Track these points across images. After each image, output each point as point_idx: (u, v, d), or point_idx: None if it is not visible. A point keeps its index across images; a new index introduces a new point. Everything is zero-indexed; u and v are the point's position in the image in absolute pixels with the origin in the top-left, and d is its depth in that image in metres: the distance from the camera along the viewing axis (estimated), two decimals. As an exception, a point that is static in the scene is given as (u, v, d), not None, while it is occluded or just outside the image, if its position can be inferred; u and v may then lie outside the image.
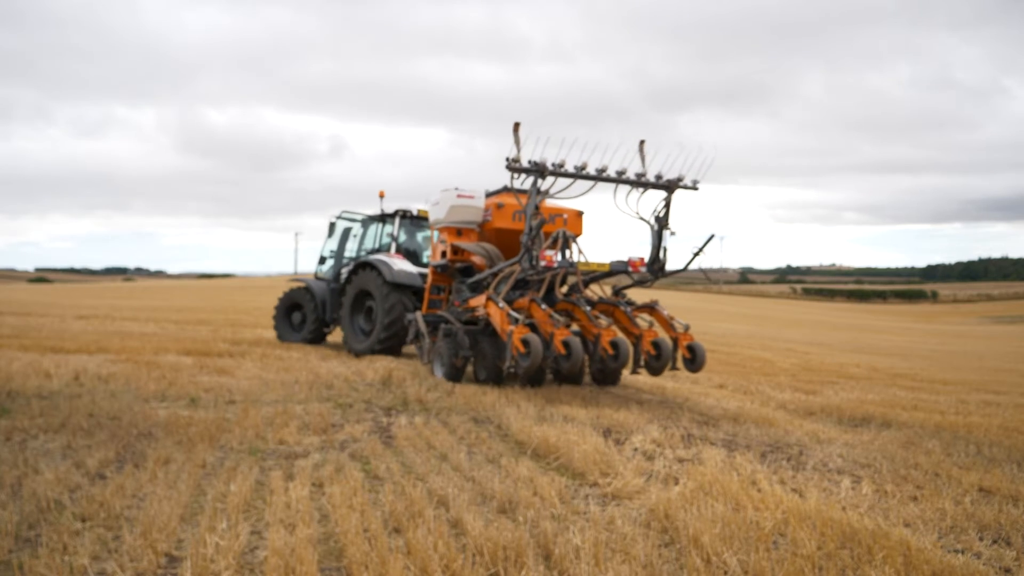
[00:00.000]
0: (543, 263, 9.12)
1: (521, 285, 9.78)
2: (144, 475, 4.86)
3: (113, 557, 3.56)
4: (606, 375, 10.22)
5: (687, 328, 9.59)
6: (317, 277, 15.59)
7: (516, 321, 8.77)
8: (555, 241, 9.50)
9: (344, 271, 14.57)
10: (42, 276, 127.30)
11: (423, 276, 12.48)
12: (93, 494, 4.39)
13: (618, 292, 10.44)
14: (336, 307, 14.52)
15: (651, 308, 9.88)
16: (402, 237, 14.19)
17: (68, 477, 4.73)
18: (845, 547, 3.93)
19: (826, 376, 13.53)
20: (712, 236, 9.88)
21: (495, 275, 9.75)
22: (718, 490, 4.87)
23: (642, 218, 9.89)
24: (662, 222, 9.86)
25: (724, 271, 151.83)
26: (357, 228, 15.11)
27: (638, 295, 11.27)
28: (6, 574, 3.35)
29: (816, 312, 62.97)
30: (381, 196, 14.43)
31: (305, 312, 15.15)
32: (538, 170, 8.91)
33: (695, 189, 9.77)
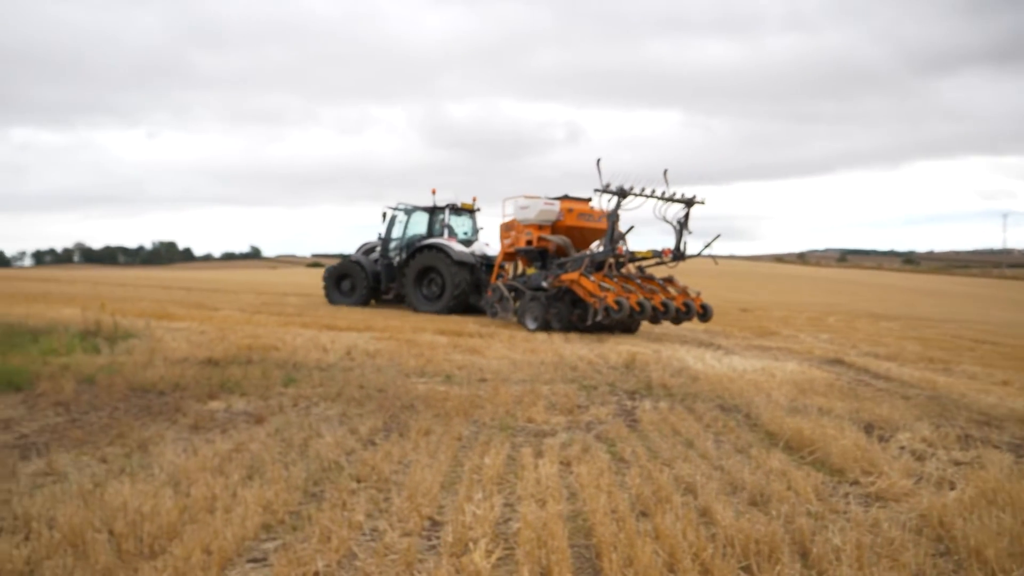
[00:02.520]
0: (616, 251, 14.00)
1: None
2: (408, 444, 5.25)
3: (384, 517, 3.88)
4: (632, 326, 14.53)
5: (699, 293, 13.98)
6: (365, 254, 19.71)
7: (606, 290, 13.02)
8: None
9: (398, 250, 18.75)
10: (317, 261, 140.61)
11: (473, 255, 17.36)
12: (366, 458, 4.82)
13: (642, 270, 14.60)
14: (392, 278, 18.78)
15: (671, 281, 14.32)
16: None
17: (344, 441, 5.23)
18: None
19: None
20: (719, 235, 14.72)
21: (582, 259, 14.05)
22: (1004, 499, 4.33)
23: (667, 221, 14.16)
24: (683, 224, 14.04)
25: (1009, 253, 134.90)
26: (402, 216, 19.07)
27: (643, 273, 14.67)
28: (297, 523, 3.77)
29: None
30: (433, 192, 18.67)
31: (355, 281, 19.22)
32: (621, 192, 13.48)
33: (703, 203, 14.08)
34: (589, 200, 15.53)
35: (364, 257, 19.51)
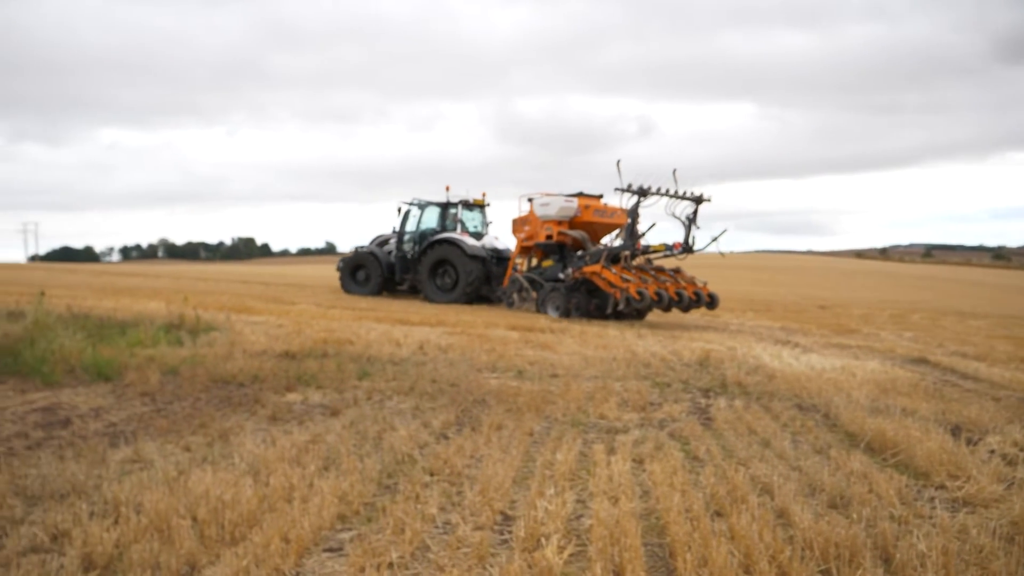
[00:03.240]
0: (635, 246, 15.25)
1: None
2: (480, 438, 5.28)
3: (456, 510, 3.91)
4: (642, 312, 15.55)
5: (705, 283, 15.38)
6: (379, 246, 20.56)
7: (627, 281, 14.26)
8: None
9: (412, 243, 19.47)
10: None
11: (484, 248, 18.34)
12: (438, 452, 4.86)
13: (650, 262, 15.91)
14: (406, 270, 19.58)
15: (679, 271, 15.62)
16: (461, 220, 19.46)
17: (417, 435, 5.29)
18: None
19: None
20: (725, 230, 17.55)
21: (600, 252, 15.24)
22: (1105, 508, 4.10)
23: (676, 216, 15.42)
24: (692, 220, 15.28)
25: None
26: (415, 211, 19.80)
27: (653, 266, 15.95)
28: (371, 514, 3.83)
29: None
30: (447, 189, 19.62)
31: (369, 272, 20.19)
32: (641, 191, 14.88)
33: (709, 201, 15.38)
34: (601, 197, 16.96)
35: (378, 249, 20.45)
